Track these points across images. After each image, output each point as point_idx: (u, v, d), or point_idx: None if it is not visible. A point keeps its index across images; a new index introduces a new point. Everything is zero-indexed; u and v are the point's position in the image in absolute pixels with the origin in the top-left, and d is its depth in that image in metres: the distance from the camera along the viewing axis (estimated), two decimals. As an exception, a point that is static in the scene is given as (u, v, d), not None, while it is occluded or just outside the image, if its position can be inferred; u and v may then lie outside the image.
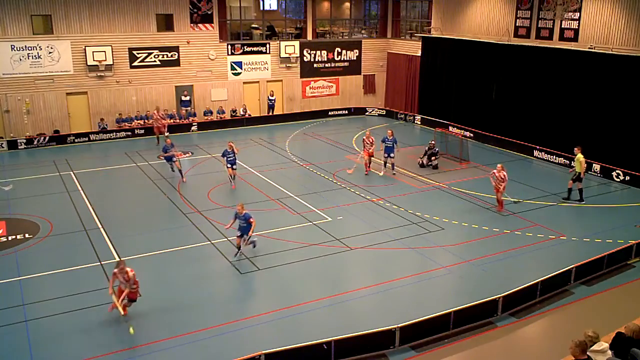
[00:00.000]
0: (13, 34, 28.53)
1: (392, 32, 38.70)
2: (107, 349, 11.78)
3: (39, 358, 11.48)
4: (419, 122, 34.36)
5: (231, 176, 22.16)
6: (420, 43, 34.79)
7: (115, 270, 12.86)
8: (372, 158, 23.72)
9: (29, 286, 14.49)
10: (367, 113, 37.32)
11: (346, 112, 37.13)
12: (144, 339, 12.14)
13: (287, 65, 35.59)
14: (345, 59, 37.46)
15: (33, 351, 11.71)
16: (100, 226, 18.33)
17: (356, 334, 11.70)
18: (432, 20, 34.52)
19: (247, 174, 23.70)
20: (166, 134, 28.79)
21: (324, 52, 36.71)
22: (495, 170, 19.49)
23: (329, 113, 36.59)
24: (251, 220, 15.70)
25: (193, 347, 11.91)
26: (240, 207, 15.90)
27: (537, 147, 26.75)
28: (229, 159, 21.92)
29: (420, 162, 24.95)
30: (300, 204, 20.29)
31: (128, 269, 12.80)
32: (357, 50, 37.74)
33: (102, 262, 15.68)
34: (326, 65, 36.95)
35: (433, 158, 24.63)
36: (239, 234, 15.90)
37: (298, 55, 35.61)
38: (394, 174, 23.47)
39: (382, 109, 37.46)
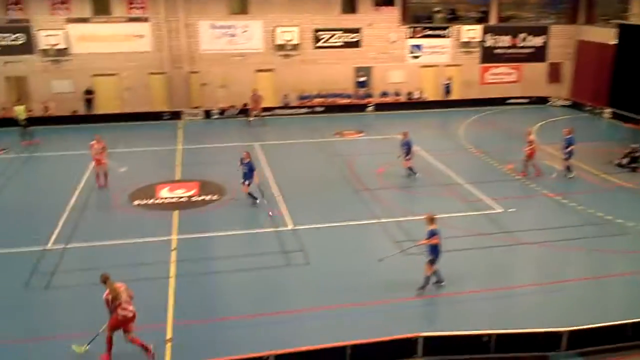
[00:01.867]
0: (214, 14, 31.24)
1: (583, 18, 35.98)
2: (269, 309, 12.71)
3: (217, 305, 12.78)
4: (609, 116, 31.76)
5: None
6: (616, 30, 31.94)
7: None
8: (532, 160, 21.50)
9: (213, 242, 16.09)
10: (549, 103, 35.31)
11: (527, 101, 35.45)
12: (301, 304, 12.93)
13: (467, 49, 34.79)
14: (529, 45, 35.66)
15: (214, 299, 13.04)
16: (278, 195, 19.64)
17: (519, 331, 11.44)
18: (632, 5, 31.46)
19: (418, 158, 23.81)
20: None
21: (507, 38, 35.26)
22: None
23: (508, 101, 35.20)
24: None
25: (343, 320, 12.36)
26: (430, 218, 12.92)
27: None
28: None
29: (619, 162, 23.02)
30: (470, 192, 19.99)
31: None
32: (543, 36, 35.71)
33: (277, 229, 16.84)
34: (508, 51, 35.50)
35: (635, 166, 22.49)
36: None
37: (479, 39, 34.62)
38: (571, 176, 21.47)
39: (566, 100, 35.17)
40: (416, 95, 34.10)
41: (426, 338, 11.10)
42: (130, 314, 10.69)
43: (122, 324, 10.65)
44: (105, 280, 10.65)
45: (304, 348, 10.74)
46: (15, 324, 12.17)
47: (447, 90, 34.45)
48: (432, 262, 13.16)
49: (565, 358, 11.31)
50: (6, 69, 30.27)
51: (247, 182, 18.62)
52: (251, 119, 30.01)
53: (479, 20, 35.74)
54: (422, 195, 19.83)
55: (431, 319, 12.45)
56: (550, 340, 11.43)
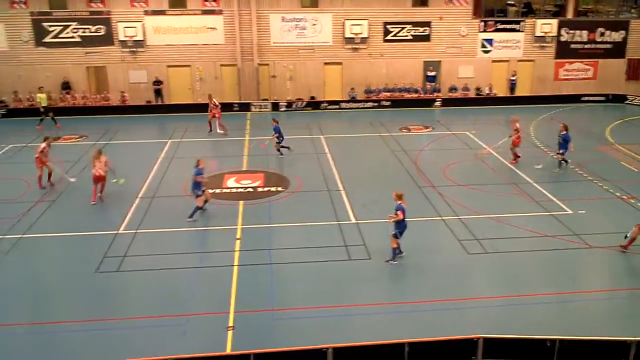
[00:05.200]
0: (285, 7, 31.60)
1: (671, 12, 34.20)
2: (328, 302, 12.85)
3: (278, 296, 13.02)
4: (693, 117, 30.08)
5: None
6: None
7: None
8: (516, 148, 22.30)
9: (276, 233, 16.37)
10: (627, 101, 33.77)
11: (603, 98, 34.04)
12: (361, 299, 13.00)
13: (542, 44, 33.72)
14: (608, 40, 34.17)
15: (274, 290, 13.28)
16: (341, 188, 19.75)
17: (585, 338, 11.07)
18: None
19: (487, 155, 23.40)
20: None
21: (585, 33, 33.93)
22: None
23: (582, 98, 33.91)
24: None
25: (402, 317, 12.33)
26: (397, 195, 14.39)
27: None
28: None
29: None
30: (539, 191, 19.43)
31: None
32: (623, 32, 34.13)
33: (340, 222, 16.94)
34: (585, 46, 34.17)
35: None
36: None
37: (555, 34, 33.47)
38: (559, 172, 21.41)
39: (646, 98, 33.57)
40: (486, 90, 33.37)
41: (486, 339, 10.93)
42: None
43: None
44: None
45: (362, 343, 10.80)
46: (86, 305, 12.84)
47: (512, 86, 33.56)
48: (395, 235, 14.32)
49: (633, 369, 10.90)
50: (87, 59, 31.71)
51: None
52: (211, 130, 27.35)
53: (554, 14, 34.59)
54: (489, 194, 19.44)
55: (493, 320, 12.20)
56: (617, 350, 11.02)
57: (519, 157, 22.36)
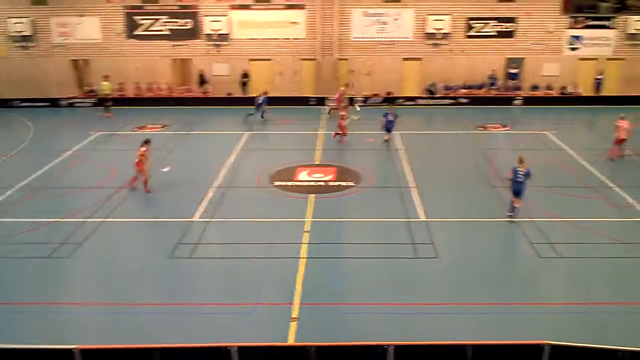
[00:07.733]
0: (367, 1, 31.58)
1: None
2: (392, 299, 12.85)
3: (343, 290, 13.20)
4: None
5: None
6: None
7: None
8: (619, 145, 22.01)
9: (344, 228, 16.50)
10: None
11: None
12: (426, 297, 12.91)
13: (634, 42, 31.95)
14: None
15: (340, 284, 13.48)
16: (413, 185, 19.64)
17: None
18: None
19: (566, 157, 22.57)
20: None
21: (683, 30, 31.84)
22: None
23: (678, 99, 31.89)
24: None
25: (466, 318, 12.18)
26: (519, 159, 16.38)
27: None
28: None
29: None
30: (620, 196, 18.57)
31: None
32: None
33: (409, 219, 16.87)
34: (684, 45, 32.08)
35: None
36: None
37: (650, 31, 31.65)
38: None
39: None
40: (570, 89, 32.05)
41: (553, 346, 10.61)
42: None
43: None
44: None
45: (424, 342, 10.79)
46: (160, 289, 13.52)
47: (598, 85, 32.03)
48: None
49: None
50: (174, 51, 33.01)
51: None
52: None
53: (650, 11, 32.65)
54: (567, 196, 18.76)
55: (562, 327, 11.83)
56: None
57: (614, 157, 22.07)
